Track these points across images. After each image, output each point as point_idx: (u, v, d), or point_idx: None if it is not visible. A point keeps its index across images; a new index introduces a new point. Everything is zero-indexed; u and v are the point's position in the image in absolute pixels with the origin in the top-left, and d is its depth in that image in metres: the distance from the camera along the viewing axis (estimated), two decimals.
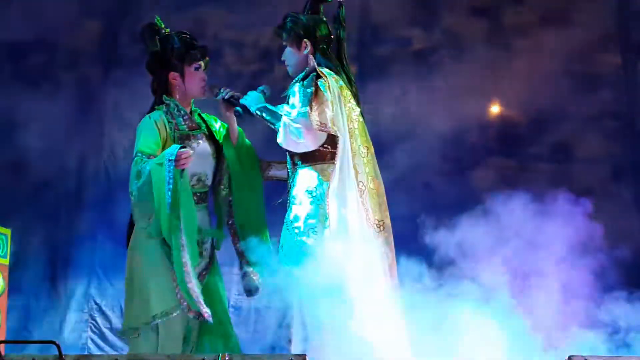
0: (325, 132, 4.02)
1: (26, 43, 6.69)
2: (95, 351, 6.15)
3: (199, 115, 4.37)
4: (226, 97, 4.30)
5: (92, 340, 6.30)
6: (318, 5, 4.27)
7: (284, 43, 4.25)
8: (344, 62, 4.24)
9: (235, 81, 6.60)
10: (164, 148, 4.11)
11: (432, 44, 6.56)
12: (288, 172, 4.22)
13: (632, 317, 4.52)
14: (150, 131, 4.14)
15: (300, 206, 4.04)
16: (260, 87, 4.27)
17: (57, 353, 3.40)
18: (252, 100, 4.19)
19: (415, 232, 4.31)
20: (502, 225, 4.75)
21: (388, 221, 4.12)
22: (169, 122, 4.21)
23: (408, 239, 4.26)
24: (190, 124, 4.27)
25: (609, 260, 5.69)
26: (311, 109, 3.98)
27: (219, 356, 3.37)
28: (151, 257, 4.07)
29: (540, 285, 4.59)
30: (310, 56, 4.16)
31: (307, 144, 4.04)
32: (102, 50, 6.78)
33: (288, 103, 4.12)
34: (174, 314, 4.03)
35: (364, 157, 4.12)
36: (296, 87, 4.11)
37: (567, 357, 3.40)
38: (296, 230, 4.01)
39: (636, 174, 6.39)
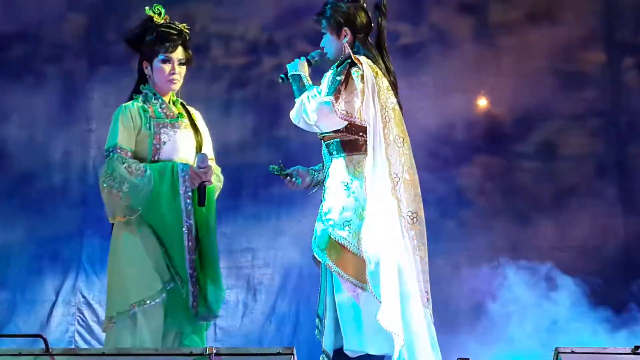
0: (350, 121, 3.97)
1: (8, 34, 6.65)
2: (82, 345, 6.13)
3: (182, 104, 4.34)
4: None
5: (79, 333, 6.28)
6: None
7: (323, 30, 4.20)
8: (384, 51, 4.18)
9: (223, 74, 6.59)
10: (136, 137, 4.15)
11: (419, 40, 6.58)
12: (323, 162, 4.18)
13: None
14: (126, 123, 4.15)
15: (335, 198, 3.98)
16: (312, 53, 4.24)
17: (43, 347, 3.39)
18: (294, 65, 4.17)
19: None
20: None
21: (422, 213, 4.01)
22: (144, 110, 4.20)
23: None
24: (168, 112, 4.26)
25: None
26: (338, 97, 3.94)
27: (206, 349, 3.37)
28: (132, 244, 4.07)
29: None
30: (346, 44, 4.12)
31: (317, 127, 4.03)
32: (87, 45, 6.74)
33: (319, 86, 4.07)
34: (154, 302, 4.02)
35: (399, 148, 4.02)
36: (329, 73, 4.08)
37: (554, 349, 3.43)
38: (330, 222, 3.94)
39: (620, 171, 6.43)
